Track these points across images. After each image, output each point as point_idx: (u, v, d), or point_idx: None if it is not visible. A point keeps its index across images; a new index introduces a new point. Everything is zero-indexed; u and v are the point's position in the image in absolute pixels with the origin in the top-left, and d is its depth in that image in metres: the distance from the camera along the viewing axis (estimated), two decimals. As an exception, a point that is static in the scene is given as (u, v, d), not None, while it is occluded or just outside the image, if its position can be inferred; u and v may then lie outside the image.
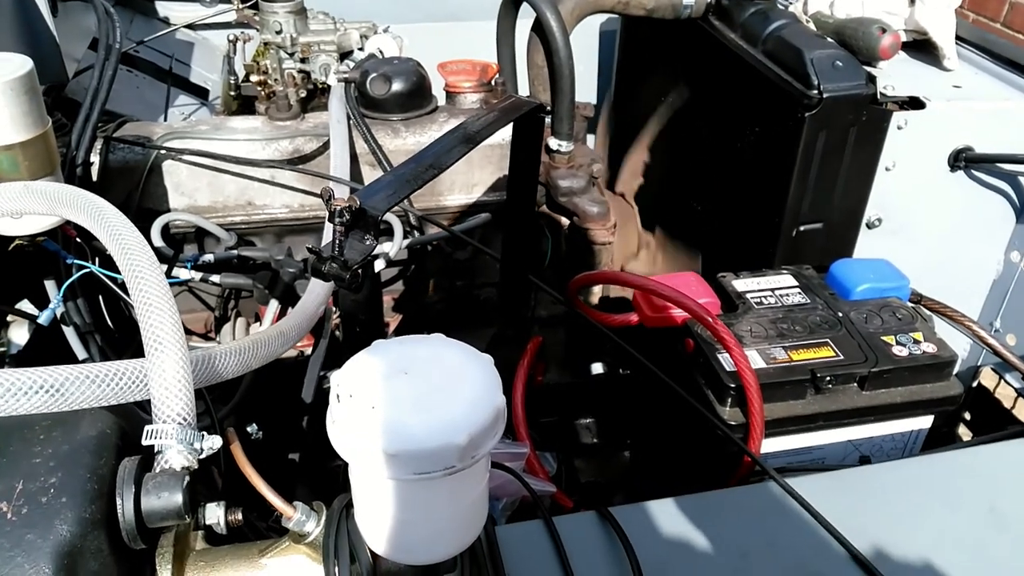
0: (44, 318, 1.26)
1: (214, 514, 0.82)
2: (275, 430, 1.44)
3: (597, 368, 1.69)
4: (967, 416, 2.01)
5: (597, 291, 1.90)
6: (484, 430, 0.68)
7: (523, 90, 1.93)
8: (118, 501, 0.72)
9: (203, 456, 0.77)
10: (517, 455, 1.24)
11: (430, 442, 0.66)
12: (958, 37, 1.88)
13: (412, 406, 0.68)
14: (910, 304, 1.41)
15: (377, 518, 0.73)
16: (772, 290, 1.40)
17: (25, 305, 1.38)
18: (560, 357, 1.74)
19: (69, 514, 0.67)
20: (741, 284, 1.42)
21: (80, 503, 0.68)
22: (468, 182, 1.74)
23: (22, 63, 1.12)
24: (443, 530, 0.74)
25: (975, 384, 1.97)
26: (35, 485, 0.69)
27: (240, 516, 0.83)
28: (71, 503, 0.68)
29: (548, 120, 1.72)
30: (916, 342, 1.29)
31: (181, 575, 0.78)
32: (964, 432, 1.98)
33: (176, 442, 0.75)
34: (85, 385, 0.75)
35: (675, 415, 1.33)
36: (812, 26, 1.78)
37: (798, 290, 1.41)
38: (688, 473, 1.38)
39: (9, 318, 1.40)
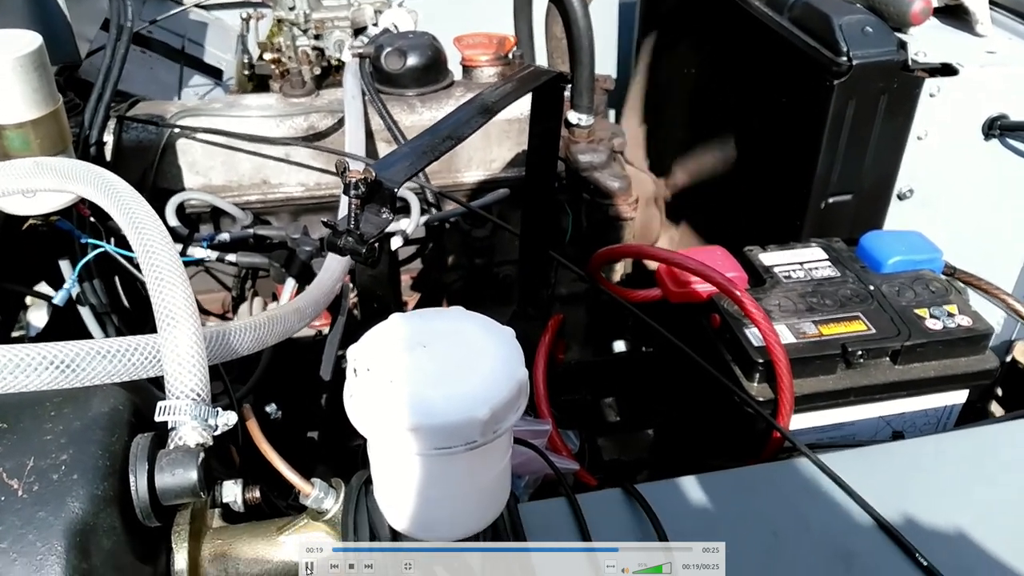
0: (59, 298, 1.26)
1: (231, 492, 0.81)
2: (294, 409, 1.42)
3: (619, 345, 1.66)
4: (999, 392, 1.96)
5: (619, 268, 1.87)
6: (506, 404, 0.65)
7: (541, 63, 1.89)
8: (131, 478, 0.70)
9: (218, 432, 0.75)
10: (539, 432, 1.21)
11: (451, 416, 0.63)
12: (991, 1, 1.82)
13: (432, 380, 0.66)
14: (943, 276, 1.36)
15: (397, 494, 0.71)
16: (801, 263, 1.37)
17: (42, 287, 1.37)
18: (582, 335, 1.71)
19: (81, 491, 0.66)
20: (769, 258, 1.38)
21: (92, 480, 0.67)
22: (486, 158, 1.70)
23: (31, 39, 1.10)
24: (464, 507, 0.72)
25: (1008, 359, 1.92)
26: (46, 462, 0.67)
27: (258, 494, 0.81)
28: (83, 480, 0.66)
29: (567, 93, 1.69)
30: (950, 315, 1.25)
31: (198, 553, 0.77)
32: (996, 409, 1.94)
33: (190, 418, 0.73)
34: (97, 361, 0.73)
35: (701, 392, 1.30)
36: (839, -9, 1.72)
37: (828, 263, 1.37)
38: (715, 450, 1.35)
39: (27, 300, 1.39)
